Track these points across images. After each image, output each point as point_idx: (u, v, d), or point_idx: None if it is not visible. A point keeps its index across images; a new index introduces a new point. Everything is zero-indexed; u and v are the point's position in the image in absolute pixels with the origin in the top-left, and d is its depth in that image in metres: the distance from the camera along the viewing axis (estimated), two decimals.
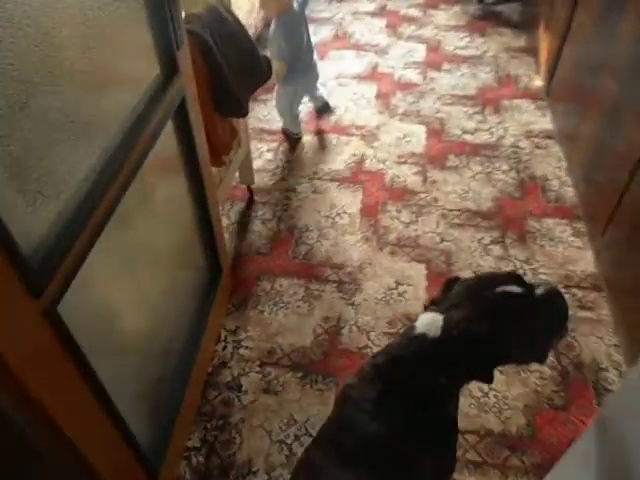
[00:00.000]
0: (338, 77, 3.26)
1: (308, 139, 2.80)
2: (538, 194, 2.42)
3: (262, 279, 2.09)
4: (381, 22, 3.83)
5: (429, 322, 1.00)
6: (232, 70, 1.69)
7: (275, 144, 2.77)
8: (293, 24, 2.50)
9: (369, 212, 2.36)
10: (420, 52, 3.49)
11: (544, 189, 2.44)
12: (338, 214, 2.36)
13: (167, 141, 1.37)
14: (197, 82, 1.62)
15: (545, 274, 2.06)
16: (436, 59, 3.41)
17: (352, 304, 1.98)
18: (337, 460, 0.98)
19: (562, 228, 2.25)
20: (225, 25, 1.68)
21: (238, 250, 2.21)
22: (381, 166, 2.60)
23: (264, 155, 2.70)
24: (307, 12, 3.98)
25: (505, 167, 2.57)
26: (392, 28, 3.76)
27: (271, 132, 2.86)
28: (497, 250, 2.16)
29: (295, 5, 2.52)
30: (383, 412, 0.98)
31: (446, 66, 3.34)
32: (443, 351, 0.96)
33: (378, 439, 0.97)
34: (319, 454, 1.04)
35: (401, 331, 1.26)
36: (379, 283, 2.05)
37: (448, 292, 1.04)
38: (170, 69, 1.30)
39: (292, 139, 2.79)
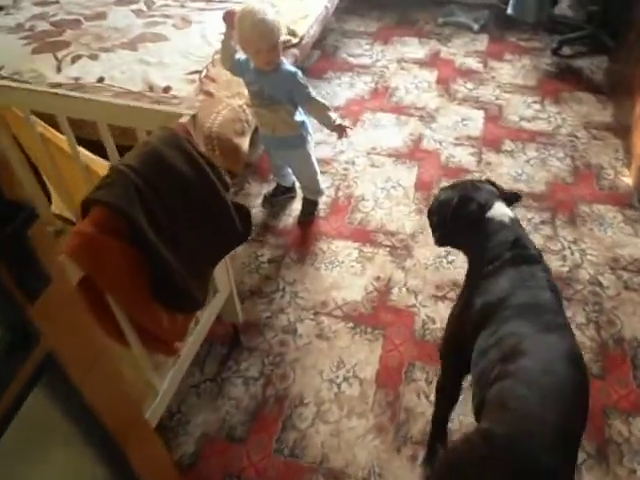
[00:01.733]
0: (370, 153, 2.63)
1: (321, 247, 2.19)
2: (627, 376, 1.74)
3: None
4: (431, 75, 3.16)
5: (505, 209, 1.40)
6: (181, 247, 1.10)
7: (280, 251, 2.18)
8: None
9: (389, 380, 1.74)
10: (476, 122, 2.81)
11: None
12: (346, 379, 1.75)
13: None
14: (122, 269, 1.06)
15: None
16: (496, 133, 2.73)
17: None
18: (538, 327, 1.19)
19: None
20: (171, 174, 1.09)
21: (204, 429, 1.64)
22: (412, 301, 1.97)
23: (262, 268, 2.11)
24: (344, 56, 3.38)
25: (581, 319, 1.89)
26: (444, 85, 3.08)
27: (277, 232, 2.27)
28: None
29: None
30: (546, 280, 1.30)
31: (508, 145, 2.66)
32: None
33: (552, 301, 1.26)
34: (520, 326, 1.20)
35: (489, 239, 1.36)
36: None
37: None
38: (21, 338, 0.72)
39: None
